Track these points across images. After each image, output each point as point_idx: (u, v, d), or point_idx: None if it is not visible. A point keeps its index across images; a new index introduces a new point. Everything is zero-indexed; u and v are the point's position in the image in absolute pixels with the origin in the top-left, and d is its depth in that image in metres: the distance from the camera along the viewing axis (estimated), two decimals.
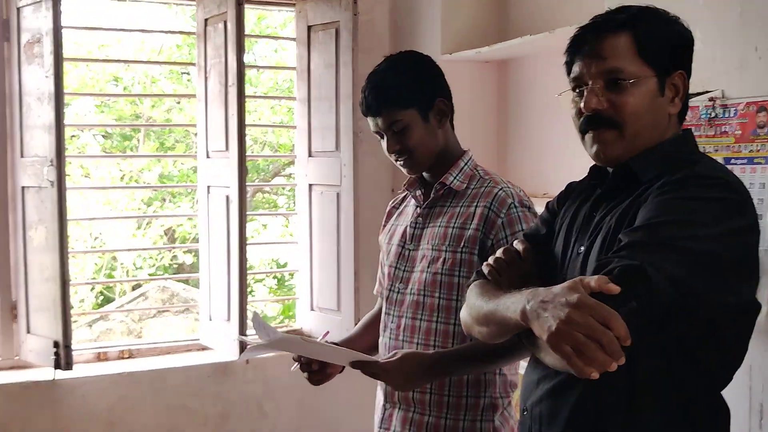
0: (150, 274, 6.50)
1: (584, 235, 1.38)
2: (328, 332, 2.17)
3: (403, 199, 2.09)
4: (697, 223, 1.17)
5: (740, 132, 1.81)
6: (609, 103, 1.30)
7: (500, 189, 1.86)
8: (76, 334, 3.66)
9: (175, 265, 6.89)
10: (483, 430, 1.84)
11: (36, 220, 3.00)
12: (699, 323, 1.22)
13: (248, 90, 6.94)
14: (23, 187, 3.05)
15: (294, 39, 3.54)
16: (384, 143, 1.89)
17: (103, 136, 7.61)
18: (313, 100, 3.42)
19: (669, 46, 1.33)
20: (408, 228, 1.97)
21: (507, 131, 3.29)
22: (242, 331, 3.12)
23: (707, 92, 1.90)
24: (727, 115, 1.85)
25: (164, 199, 7.15)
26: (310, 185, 3.47)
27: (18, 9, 3.01)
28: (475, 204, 1.87)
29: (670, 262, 1.13)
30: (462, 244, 1.84)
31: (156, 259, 6.62)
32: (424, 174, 1.96)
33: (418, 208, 1.97)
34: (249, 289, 6.28)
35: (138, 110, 7.23)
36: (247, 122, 3.20)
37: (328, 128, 3.36)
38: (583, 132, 1.34)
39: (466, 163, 1.94)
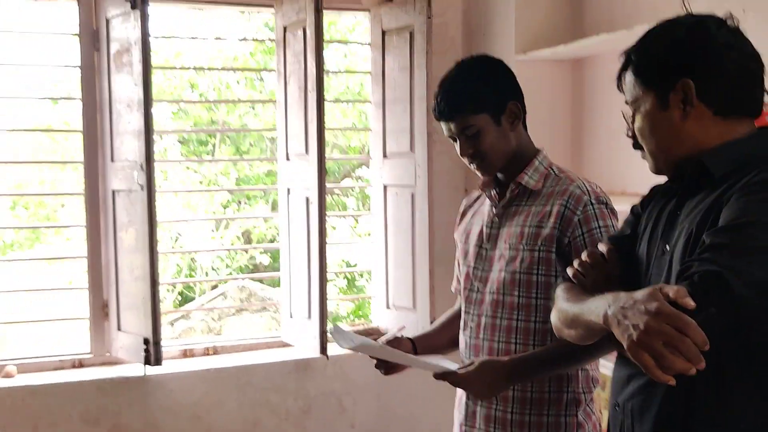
0: (228, 275, 6.68)
1: (669, 235, 1.40)
2: (404, 327, 2.23)
3: (477, 198, 2.13)
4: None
5: None
6: (633, 130, 1.47)
7: (576, 186, 1.89)
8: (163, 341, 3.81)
9: (251, 266, 7.06)
10: (567, 425, 1.87)
11: (126, 222, 3.14)
12: None
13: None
14: (114, 191, 3.20)
15: (369, 43, 3.61)
16: (458, 147, 1.94)
17: (179, 141, 7.84)
18: (388, 103, 3.49)
19: (657, 63, 1.40)
20: (484, 228, 2.01)
21: (582, 129, 3.29)
22: (323, 328, 3.20)
23: None
24: None
25: (239, 202, 7.34)
26: (385, 186, 3.53)
27: (107, 20, 3.16)
28: (551, 202, 1.89)
29: (754, 266, 1.14)
30: (539, 242, 1.87)
31: (234, 260, 6.80)
32: (498, 174, 2.00)
33: (494, 208, 2.00)
34: None
35: (214, 116, 7.44)
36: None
37: (403, 130, 3.41)
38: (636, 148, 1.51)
39: (540, 162, 1.97)
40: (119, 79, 3.12)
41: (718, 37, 1.37)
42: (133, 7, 2.97)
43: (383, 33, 3.49)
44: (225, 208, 7.20)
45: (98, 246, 3.28)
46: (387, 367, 1.99)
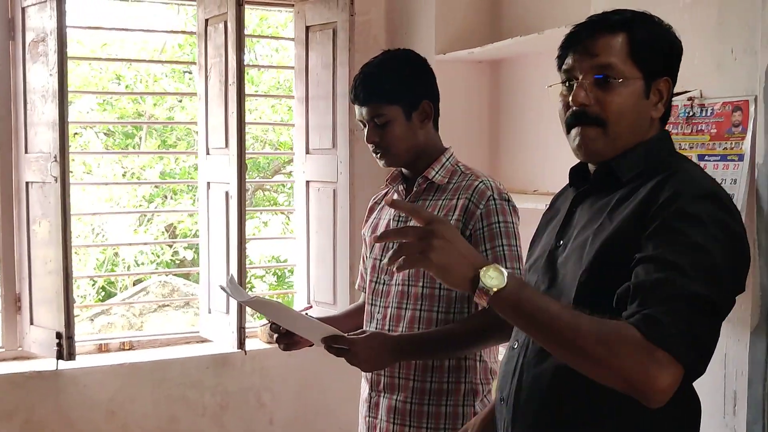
0: (151, 271, 6.61)
1: (564, 229, 1.45)
2: (310, 306, 2.24)
3: (385, 194, 2.17)
4: (703, 265, 1.21)
5: (715, 130, 1.88)
6: (595, 100, 1.35)
7: (480, 182, 1.94)
8: (78, 328, 3.74)
9: (176, 261, 6.99)
10: (465, 416, 1.92)
11: (40, 214, 3.08)
12: None
13: (250, 89, 7.11)
14: (27, 183, 3.13)
15: (293, 39, 3.62)
16: (365, 132, 1.98)
17: (105, 134, 7.69)
18: (311, 99, 3.50)
19: (660, 52, 1.38)
20: (391, 221, 2.05)
21: (499, 129, 3.37)
22: (241, 323, 3.20)
23: (686, 92, 1.98)
24: (703, 115, 1.92)
25: (165, 197, 7.24)
26: (308, 182, 3.55)
27: (23, 9, 3.10)
28: (456, 196, 1.94)
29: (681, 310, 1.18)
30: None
31: (157, 255, 6.72)
32: (404, 170, 2.05)
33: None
34: (248, 284, 6.37)
35: (140, 108, 7.32)
36: (246, 120, 3.28)
37: (325, 126, 3.44)
38: (568, 126, 1.40)
39: (447, 159, 2.02)
40: (34, 69, 3.06)
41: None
42: None
43: (307, 29, 3.51)
44: (149, 203, 7.11)
45: (11, 239, 3.21)
46: (287, 343, 2.00)
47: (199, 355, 3.38)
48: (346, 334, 1.87)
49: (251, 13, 6.81)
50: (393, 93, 1.95)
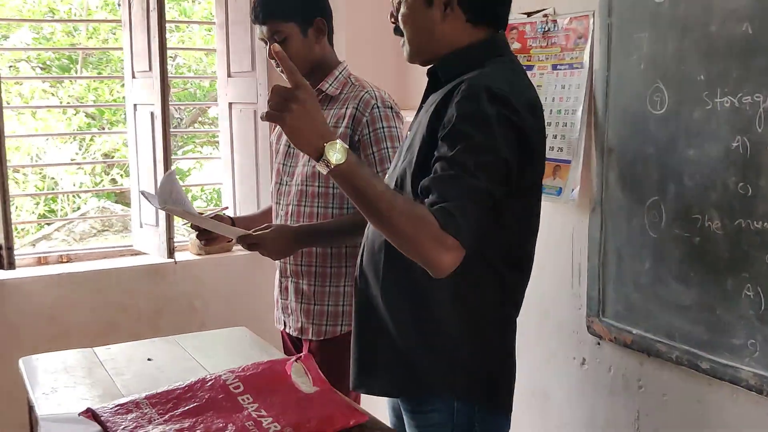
0: (84, 200, 6.81)
1: (412, 124, 1.75)
2: (226, 207, 2.53)
3: None
4: (475, 148, 1.50)
5: (565, 42, 2.19)
6: (398, 14, 1.69)
7: (366, 92, 2.22)
8: (19, 250, 3.96)
9: (118, 190, 7.21)
10: (345, 294, 2.25)
11: None
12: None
13: (179, 17, 7.23)
14: None
15: None
16: (267, 50, 2.24)
17: (41, 68, 7.73)
18: (231, 24, 3.70)
19: None
20: None
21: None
22: (170, 235, 3.46)
23: (543, 10, 2.27)
24: (556, 29, 2.22)
25: (102, 128, 7.37)
26: (230, 104, 3.78)
27: None
28: (346, 105, 2.22)
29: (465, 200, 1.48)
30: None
31: (96, 184, 6.88)
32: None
33: None
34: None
35: (74, 41, 7.37)
36: (169, 45, 3.48)
37: (245, 50, 3.65)
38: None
39: (340, 72, 2.29)
40: None
41: None
42: None
43: None
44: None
45: None
46: (206, 239, 2.29)
47: (133, 266, 3.63)
48: (253, 232, 2.17)
49: None
50: (287, 11, 2.20)
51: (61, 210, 6.78)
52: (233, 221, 2.40)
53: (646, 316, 1.99)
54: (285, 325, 2.43)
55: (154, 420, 1.69)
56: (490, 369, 1.71)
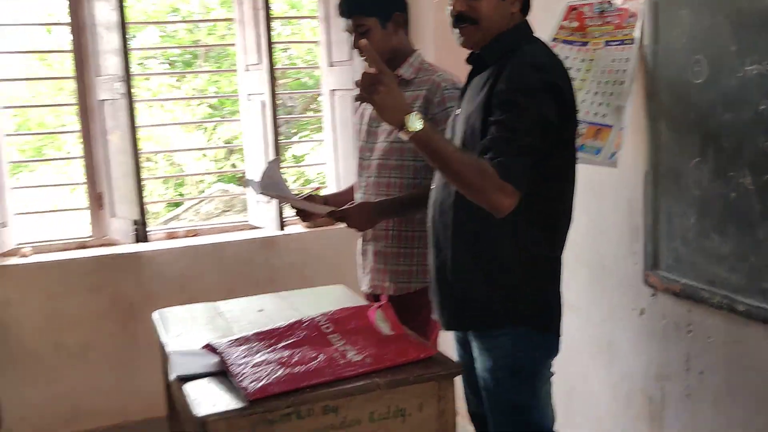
0: (209, 184, 7.43)
1: (460, 101, 2.06)
2: (318, 187, 2.88)
3: None
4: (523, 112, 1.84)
5: (618, 21, 2.40)
6: (468, 7, 1.98)
7: (437, 75, 2.51)
8: (151, 227, 4.47)
9: (238, 174, 7.82)
10: (417, 255, 2.56)
11: (113, 126, 3.77)
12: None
13: (289, 12, 7.70)
14: (100, 101, 3.82)
15: None
16: (351, 40, 2.56)
17: (168, 63, 8.41)
18: (331, 18, 4.06)
19: None
20: (373, 111, 2.63)
21: None
22: (281, 210, 3.87)
23: None
24: (611, 9, 2.44)
25: (223, 117, 7.98)
26: (332, 91, 4.15)
27: None
28: (420, 88, 2.52)
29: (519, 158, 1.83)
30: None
31: (218, 169, 7.48)
32: None
33: None
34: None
35: (196, 38, 7.99)
36: (280, 39, 3.87)
37: (344, 42, 3.98)
38: (452, 26, 2.03)
39: (415, 59, 2.59)
40: (99, 6, 3.70)
41: None
42: None
43: None
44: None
45: (91, 148, 3.92)
46: (303, 216, 2.64)
47: (249, 238, 4.07)
48: (339, 208, 2.50)
49: None
50: (369, 7, 2.51)
51: (188, 194, 7.42)
52: (325, 200, 2.75)
53: (692, 266, 2.19)
54: (363, 285, 2.76)
55: (261, 351, 2.06)
56: (543, 299, 2.05)
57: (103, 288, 3.82)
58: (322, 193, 2.82)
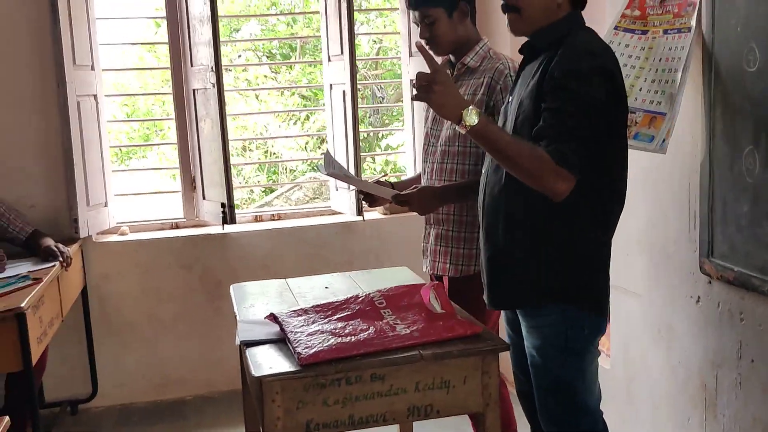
0: (302, 172, 7.70)
1: (512, 89, 2.14)
2: (386, 174, 3.00)
3: None
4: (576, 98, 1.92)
5: (677, 10, 2.41)
6: None
7: (500, 63, 2.59)
8: (241, 211, 4.73)
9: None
10: (478, 239, 2.61)
11: (204, 114, 4.02)
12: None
13: (364, 4, 7.87)
14: (194, 90, 4.08)
15: None
16: (419, 31, 2.67)
17: (266, 56, 8.72)
18: None
19: None
20: None
21: None
22: (359, 197, 4.02)
23: None
24: None
25: (315, 107, 8.27)
26: (411, 80, 4.26)
27: None
28: (484, 76, 2.61)
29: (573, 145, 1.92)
30: (474, 105, 2.60)
31: (310, 156, 7.78)
32: (451, 57, 2.72)
33: None
34: (363, 171, 7.23)
35: (293, 31, 8.27)
36: (372, 30, 4.02)
37: None
38: (504, 14, 2.12)
39: (480, 48, 2.67)
40: (192, 0, 3.95)
41: None
42: None
43: None
44: (300, 112, 8.19)
45: (185, 135, 4.19)
46: (370, 200, 2.78)
47: (329, 223, 4.26)
48: (402, 192, 2.62)
49: None
50: (439, 1, 2.61)
51: (280, 179, 7.72)
52: (393, 185, 2.87)
53: (745, 254, 2.20)
54: (425, 266, 2.86)
55: (317, 321, 2.21)
56: (592, 280, 2.12)
57: (194, 265, 4.08)
58: (392, 179, 2.94)
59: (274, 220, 4.36)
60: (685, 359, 2.57)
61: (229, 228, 4.07)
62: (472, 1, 2.69)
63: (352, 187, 2.91)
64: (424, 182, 2.79)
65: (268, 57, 8.62)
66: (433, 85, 1.94)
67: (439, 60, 2.73)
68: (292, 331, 2.14)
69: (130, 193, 4.81)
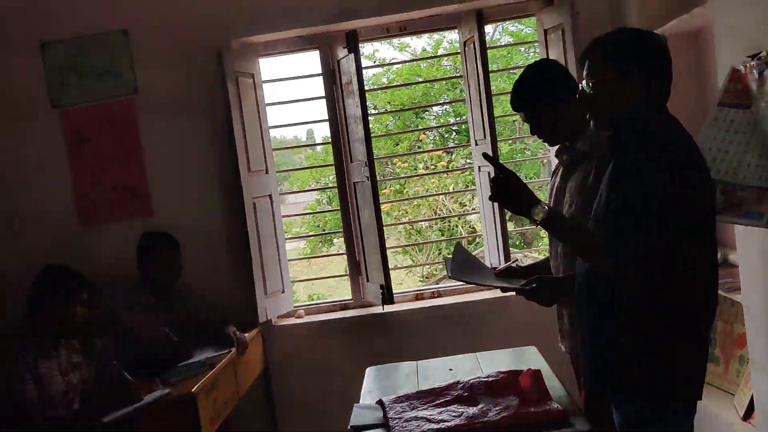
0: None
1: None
2: (517, 260, 3.09)
3: (558, 163, 2.94)
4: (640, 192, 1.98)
5: None
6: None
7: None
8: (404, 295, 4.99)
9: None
10: None
11: (362, 204, 4.36)
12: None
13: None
14: (354, 183, 4.44)
15: (535, 42, 4.43)
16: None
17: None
18: None
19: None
20: (557, 182, 2.82)
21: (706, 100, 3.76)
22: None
23: (759, 54, 2.46)
24: None
25: (466, 186, 8.69)
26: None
27: (338, 61, 4.41)
28: (592, 162, 2.61)
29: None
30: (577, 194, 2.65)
31: (450, 231, 8.11)
32: (567, 143, 2.79)
33: (561, 168, 2.82)
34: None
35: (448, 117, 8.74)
36: (496, 116, 4.20)
37: None
38: None
39: (591, 131, 2.71)
40: (348, 102, 4.35)
41: None
42: (349, 51, 4.17)
43: (545, 32, 4.28)
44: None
45: (349, 223, 4.55)
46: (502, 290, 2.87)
47: (485, 299, 4.37)
48: (521, 286, 2.69)
49: (497, 28, 8.49)
50: (532, 101, 2.71)
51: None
52: (525, 270, 2.92)
53: None
54: (562, 345, 2.91)
55: (416, 408, 2.39)
56: (683, 369, 2.12)
57: (361, 343, 4.37)
58: (525, 260, 3.05)
59: (434, 297, 4.56)
60: None
61: (389, 308, 4.33)
62: (573, 89, 2.77)
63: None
64: (552, 264, 2.84)
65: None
66: (503, 189, 2.19)
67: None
68: (392, 417, 2.33)
69: (306, 279, 5.26)
